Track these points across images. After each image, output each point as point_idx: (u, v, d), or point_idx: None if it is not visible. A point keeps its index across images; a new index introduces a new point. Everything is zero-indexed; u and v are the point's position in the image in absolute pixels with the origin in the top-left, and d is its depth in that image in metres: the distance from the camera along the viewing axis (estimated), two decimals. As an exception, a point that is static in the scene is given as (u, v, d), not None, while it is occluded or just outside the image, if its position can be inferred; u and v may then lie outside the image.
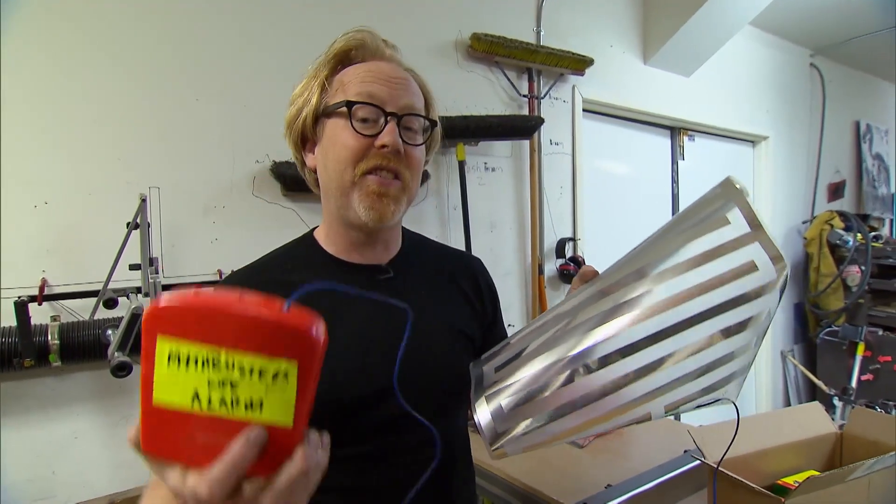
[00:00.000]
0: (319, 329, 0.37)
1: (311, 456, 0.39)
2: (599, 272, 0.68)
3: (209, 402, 0.36)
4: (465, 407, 0.85)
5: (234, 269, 0.82)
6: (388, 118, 0.71)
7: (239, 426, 0.37)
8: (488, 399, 0.62)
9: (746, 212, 0.55)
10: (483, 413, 0.61)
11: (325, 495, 0.71)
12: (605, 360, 0.56)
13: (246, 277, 0.76)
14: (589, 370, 0.56)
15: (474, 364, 0.71)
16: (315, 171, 0.78)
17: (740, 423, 1.02)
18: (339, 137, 0.72)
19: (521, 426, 0.59)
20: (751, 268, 0.53)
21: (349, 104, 0.70)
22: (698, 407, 0.58)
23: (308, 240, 0.82)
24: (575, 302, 0.63)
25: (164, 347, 0.36)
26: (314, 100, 0.74)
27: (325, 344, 0.37)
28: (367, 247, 0.79)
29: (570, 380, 0.57)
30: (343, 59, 0.76)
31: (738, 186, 0.57)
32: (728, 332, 0.54)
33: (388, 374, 0.65)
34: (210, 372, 0.36)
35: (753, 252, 0.54)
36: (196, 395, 0.36)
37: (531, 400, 0.59)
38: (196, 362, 0.36)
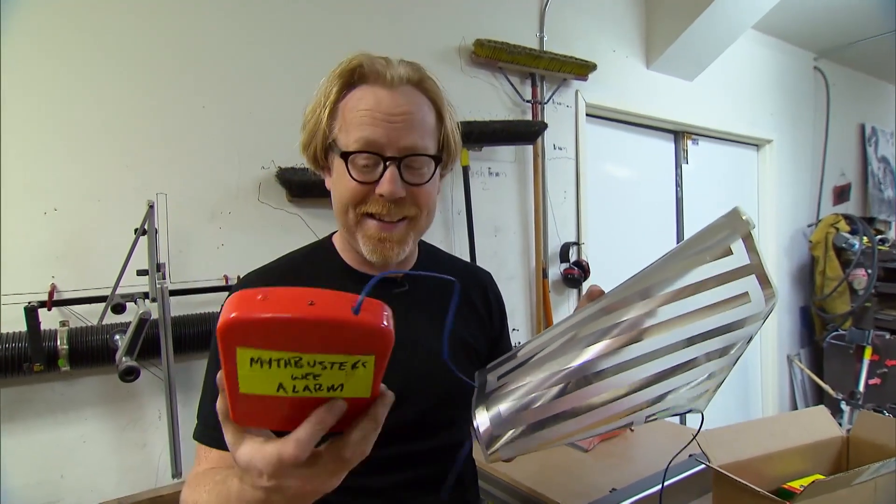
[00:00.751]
0: (390, 321, 0.38)
1: (382, 413, 0.42)
2: (605, 291, 0.70)
3: (294, 389, 0.38)
4: (469, 417, 0.87)
5: (247, 272, 0.83)
6: (388, 163, 0.70)
7: (323, 401, 0.39)
8: (488, 405, 0.65)
9: (749, 244, 0.58)
10: (482, 417, 0.64)
11: (347, 496, 0.72)
12: (600, 375, 0.60)
13: (264, 281, 0.77)
14: (585, 383, 0.60)
15: (479, 373, 0.74)
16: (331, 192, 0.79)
17: (745, 427, 1.03)
18: (340, 179, 0.72)
19: (517, 431, 0.63)
20: (744, 298, 0.57)
21: (344, 155, 0.70)
22: (673, 415, 0.63)
23: (327, 245, 0.83)
24: (579, 318, 0.66)
25: (244, 354, 0.36)
26: (321, 129, 0.74)
27: (392, 332, 0.39)
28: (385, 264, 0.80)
29: (566, 391, 0.61)
30: (348, 81, 0.74)
31: (744, 218, 0.60)
32: (711, 356, 0.58)
33: (411, 376, 0.67)
34: (293, 369, 0.37)
35: (749, 283, 0.57)
36: (281, 386, 0.38)
37: (529, 407, 0.62)
38: (279, 363, 0.37)
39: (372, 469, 0.74)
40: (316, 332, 0.36)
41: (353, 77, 0.73)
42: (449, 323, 0.60)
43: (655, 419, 0.62)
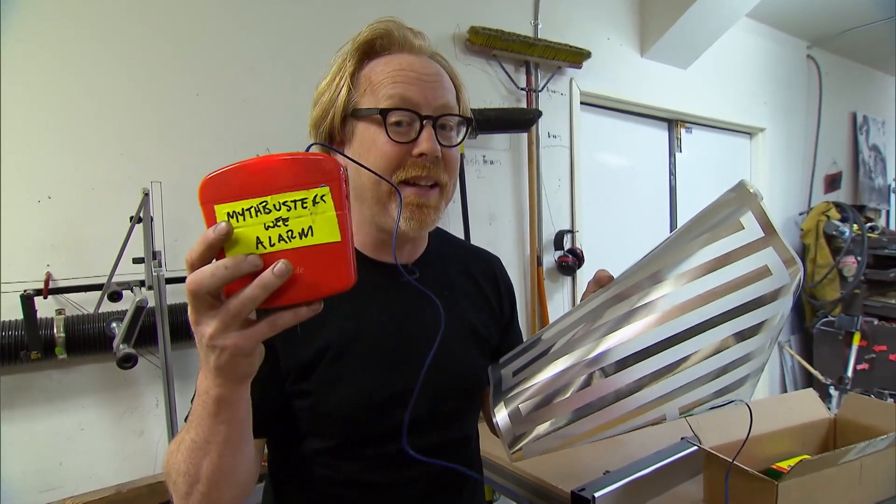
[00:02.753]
0: (336, 158, 0.43)
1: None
2: (614, 276, 0.67)
3: (270, 241, 0.42)
4: (478, 409, 0.87)
5: None
6: (424, 122, 0.67)
7: (298, 253, 0.43)
8: (507, 402, 0.63)
9: (760, 216, 0.56)
10: (502, 416, 0.63)
11: (348, 489, 0.73)
12: (621, 364, 0.57)
13: None
14: (605, 374, 0.57)
15: (493, 367, 0.72)
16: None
17: (735, 410, 1.04)
18: (373, 144, 0.68)
19: (539, 429, 0.61)
20: (765, 272, 0.54)
21: (383, 112, 0.66)
22: (712, 408, 0.59)
23: None
24: (591, 306, 0.64)
25: (221, 211, 0.43)
26: (341, 99, 0.70)
27: (345, 169, 0.43)
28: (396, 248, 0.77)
29: (586, 383, 0.58)
30: (368, 52, 0.71)
31: (751, 190, 0.58)
32: (742, 336, 0.55)
33: (414, 375, 0.65)
34: (263, 217, 0.42)
35: (767, 256, 0.54)
36: (259, 241, 0.42)
37: (548, 403, 0.60)
38: (250, 212, 0.42)
39: (382, 464, 0.73)
40: (269, 171, 0.42)
41: (375, 46, 0.71)
42: (432, 352, 0.60)
43: (692, 414, 0.58)
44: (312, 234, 0.42)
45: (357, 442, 0.72)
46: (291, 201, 0.42)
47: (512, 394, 0.64)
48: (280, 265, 0.41)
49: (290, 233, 0.42)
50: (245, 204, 0.42)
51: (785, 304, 0.55)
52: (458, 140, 0.73)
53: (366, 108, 0.68)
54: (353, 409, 0.70)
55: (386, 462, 0.74)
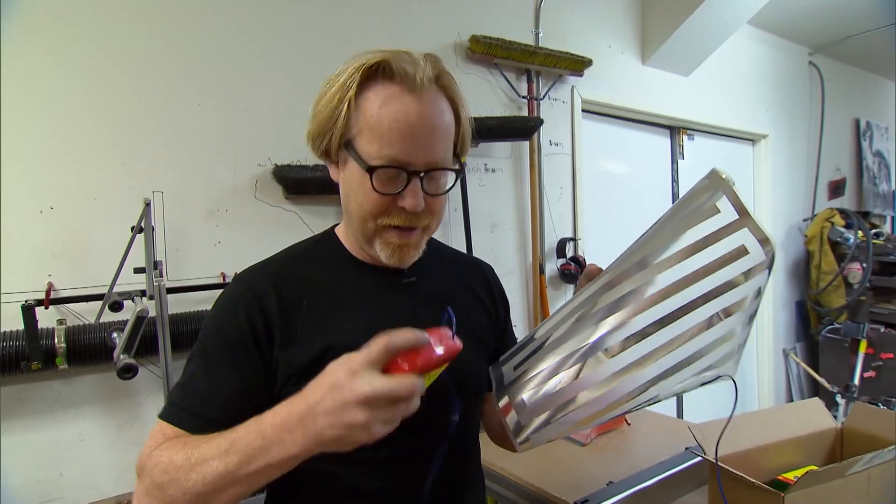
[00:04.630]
0: (458, 345, 0.59)
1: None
2: (603, 269, 0.69)
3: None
4: (479, 411, 0.88)
5: (239, 271, 0.80)
6: (411, 177, 0.69)
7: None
8: (511, 395, 0.66)
9: (734, 200, 0.59)
10: (506, 408, 0.65)
11: (348, 497, 0.73)
12: (616, 349, 0.60)
13: (266, 272, 0.76)
14: (601, 359, 0.60)
15: (493, 367, 0.74)
16: (338, 184, 0.77)
17: (741, 420, 1.03)
18: (360, 187, 0.70)
19: (543, 417, 0.63)
20: (742, 251, 0.58)
21: (371, 169, 0.68)
22: (702, 384, 0.62)
23: (330, 237, 0.82)
24: (583, 297, 0.66)
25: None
26: (339, 124, 0.70)
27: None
28: None
29: (584, 370, 0.61)
30: (370, 76, 0.70)
31: (723, 177, 0.61)
32: (727, 313, 0.58)
33: None
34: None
35: (743, 237, 0.58)
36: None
37: (552, 392, 0.63)
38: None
39: (374, 467, 0.73)
40: (437, 363, 0.57)
41: (376, 72, 0.69)
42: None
43: (685, 391, 0.62)
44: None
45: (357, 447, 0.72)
46: (438, 372, 0.59)
47: (515, 386, 0.66)
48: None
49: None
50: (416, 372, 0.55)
51: (761, 280, 0.59)
52: (447, 187, 0.74)
53: (358, 154, 0.69)
54: None
55: (386, 468, 0.73)
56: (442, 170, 0.72)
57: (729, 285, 0.58)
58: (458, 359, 0.78)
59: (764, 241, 0.57)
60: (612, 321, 0.60)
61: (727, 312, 0.58)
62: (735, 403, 0.72)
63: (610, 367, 0.60)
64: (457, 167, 0.75)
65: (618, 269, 0.65)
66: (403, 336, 0.54)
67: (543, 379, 0.64)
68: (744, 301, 0.58)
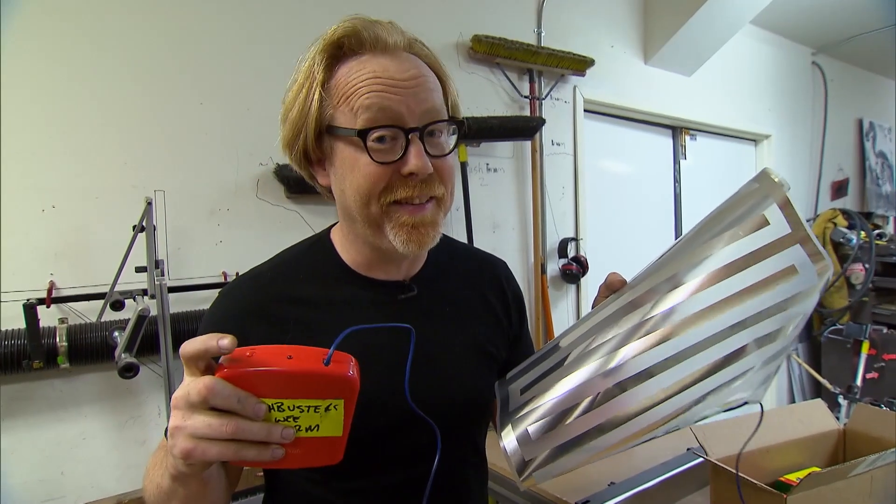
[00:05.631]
0: (355, 371, 0.46)
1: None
2: (627, 281, 0.61)
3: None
4: (485, 428, 0.81)
5: (240, 273, 0.80)
6: (410, 136, 0.60)
7: (299, 440, 0.46)
8: (514, 425, 0.59)
9: (787, 210, 0.50)
10: (509, 440, 0.58)
11: None
12: (638, 378, 0.52)
13: (254, 291, 0.69)
14: (621, 389, 0.52)
15: (500, 384, 0.68)
16: (330, 189, 0.68)
17: (743, 421, 1.03)
18: (355, 166, 0.61)
19: (550, 453, 0.56)
20: (790, 272, 0.49)
21: (361, 133, 0.59)
22: (727, 410, 0.55)
23: (324, 244, 0.74)
24: (604, 315, 0.58)
25: None
26: (313, 114, 0.62)
27: (359, 380, 0.47)
28: (392, 264, 0.71)
29: (599, 402, 0.53)
30: (336, 55, 0.63)
31: (776, 180, 0.52)
32: (763, 342, 0.50)
33: (401, 404, 0.60)
34: (276, 413, 0.45)
35: (794, 255, 0.49)
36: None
37: (560, 424, 0.55)
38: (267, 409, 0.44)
39: (369, 496, 0.68)
40: (293, 381, 0.44)
41: (342, 49, 0.63)
42: (407, 372, 0.56)
43: (707, 418, 0.54)
44: (318, 431, 0.46)
45: (353, 461, 0.70)
46: (306, 406, 0.45)
47: (520, 414, 0.59)
48: (279, 451, 0.46)
49: (297, 427, 0.45)
50: (267, 401, 0.44)
51: (809, 305, 0.50)
52: (452, 146, 0.65)
53: (342, 128, 0.61)
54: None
55: (382, 498, 0.69)
56: (444, 121, 0.63)
57: (770, 311, 0.49)
58: (464, 382, 0.72)
59: (819, 262, 0.48)
60: (634, 346, 0.52)
61: (763, 341, 0.49)
62: (759, 424, 0.66)
63: (627, 401, 0.52)
64: (458, 118, 0.67)
65: (645, 284, 0.56)
66: (193, 343, 0.45)
67: (553, 409, 0.56)
68: (786, 327, 0.50)
